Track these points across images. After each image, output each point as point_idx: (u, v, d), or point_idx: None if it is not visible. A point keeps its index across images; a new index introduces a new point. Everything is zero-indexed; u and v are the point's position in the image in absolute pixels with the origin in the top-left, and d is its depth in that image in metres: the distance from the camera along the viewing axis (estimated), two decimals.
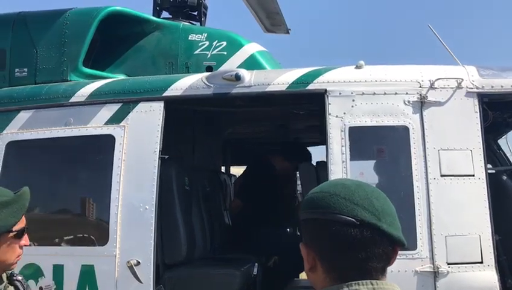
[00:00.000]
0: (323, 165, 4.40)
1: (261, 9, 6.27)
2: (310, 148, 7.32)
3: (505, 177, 4.10)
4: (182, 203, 4.27)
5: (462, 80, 3.83)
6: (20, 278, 2.47)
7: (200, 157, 5.30)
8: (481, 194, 3.62)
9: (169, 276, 4.04)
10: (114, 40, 5.03)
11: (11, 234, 2.28)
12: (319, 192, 1.33)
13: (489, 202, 3.60)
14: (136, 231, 3.75)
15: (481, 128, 3.76)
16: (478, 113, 3.78)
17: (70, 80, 4.48)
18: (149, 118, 3.99)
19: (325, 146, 3.84)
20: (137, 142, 3.93)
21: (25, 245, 2.36)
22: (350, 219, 1.26)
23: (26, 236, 2.37)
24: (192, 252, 4.34)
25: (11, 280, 2.44)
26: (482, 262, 3.51)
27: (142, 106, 4.04)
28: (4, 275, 2.42)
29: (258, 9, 6.28)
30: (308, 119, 5.63)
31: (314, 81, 3.90)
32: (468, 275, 3.49)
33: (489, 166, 4.83)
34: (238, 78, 3.96)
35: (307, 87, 3.90)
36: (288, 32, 6.57)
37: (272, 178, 5.30)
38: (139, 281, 3.67)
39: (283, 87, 3.92)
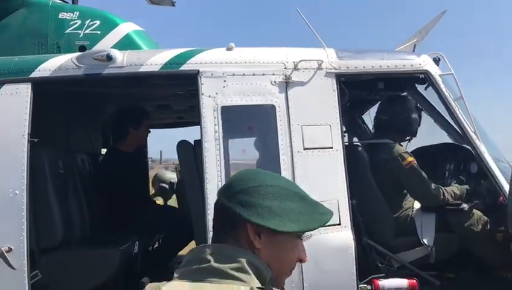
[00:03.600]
0: (200, 143, 4.59)
1: None
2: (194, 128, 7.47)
3: (360, 149, 4.59)
4: (56, 187, 4.18)
5: (322, 61, 4.20)
6: None
7: (76, 140, 5.18)
8: (339, 164, 4.03)
9: (45, 261, 3.97)
10: None
11: None
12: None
13: (345, 171, 4.03)
14: (6, 217, 3.63)
15: (338, 105, 4.16)
16: (336, 92, 4.17)
17: None
18: (15, 100, 3.84)
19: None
20: (3, 126, 3.79)
21: None
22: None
23: None
24: (69, 235, 4.29)
25: None
26: (340, 224, 3.93)
27: (7, 88, 3.87)
28: None
29: None
30: (189, 99, 5.75)
31: (187, 62, 4.02)
32: (329, 236, 3.89)
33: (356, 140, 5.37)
34: (109, 58, 3.95)
35: (180, 68, 4.01)
36: (173, 5, 6.52)
37: (125, 164, 5.14)
38: (12, 268, 3.58)
39: (156, 68, 3.99)
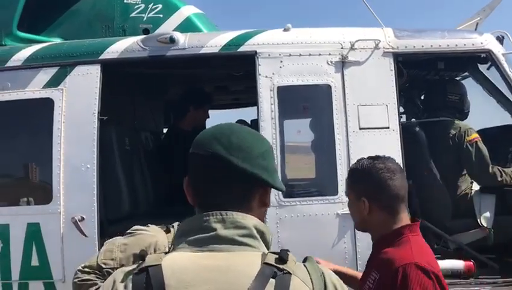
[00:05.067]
0: (256, 123, 4.72)
1: None
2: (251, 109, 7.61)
3: (417, 129, 4.55)
4: (123, 162, 4.47)
5: (380, 41, 4.18)
6: None
7: (141, 119, 5.47)
8: (395, 144, 4.03)
9: (113, 230, 4.27)
10: (49, 3, 5.03)
11: None
12: (201, 132, 1.44)
13: (402, 151, 4.03)
14: (79, 189, 3.95)
15: (396, 85, 4.14)
16: (393, 72, 4.15)
17: (4, 45, 4.51)
18: (86, 81, 4.13)
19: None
20: (76, 105, 4.08)
21: None
22: (206, 150, 1.33)
23: None
24: (135, 207, 4.58)
25: None
26: None
27: (79, 69, 4.16)
28: None
29: None
30: (246, 80, 5.89)
31: (245, 44, 4.15)
32: None
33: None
34: (172, 40, 4.14)
35: (238, 50, 4.14)
36: None
37: (184, 141, 5.22)
38: (84, 235, 3.90)
39: (216, 50, 4.14)
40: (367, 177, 2.22)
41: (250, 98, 7.36)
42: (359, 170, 2.27)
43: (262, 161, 1.35)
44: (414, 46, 4.24)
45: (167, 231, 2.73)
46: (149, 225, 2.90)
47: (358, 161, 2.33)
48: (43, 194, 4.05)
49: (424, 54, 4.30)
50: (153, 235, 2.75)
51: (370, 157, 2.29)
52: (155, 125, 5.89)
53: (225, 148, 1.32)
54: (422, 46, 4.24)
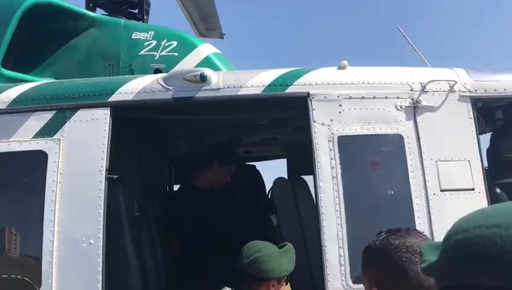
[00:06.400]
0: (299, 181, 3.84)
1: (196, 11, 5.78)
2: (264, 163, 6.76)
3: (498, 191, 3.74)
4: (132, 233, 3.48)
5: (455, 82, 3.45)
6: None
7: (148, 177, 4.51)
8: None
9: None
10: (40, 37, 4.21)
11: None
12: (478, 227, 0.68)
13: None
14: (78, 272, 2.94)
15: (477, 135, 3.39)
16: (473, 120, 3.40)
17: None
18: (91, 128, 3.21)
19: (285, 159, 3.28)
20: (77, 160, 3.14)
21: None
22: None
23: None
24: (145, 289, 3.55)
25: None
26: None
27: (81, 114, 3.25)
28: None
29: (193, 12, 5.78)
30: (266, 130, 5.06)
31: (294, 83, 3.33)
32: None
33: None
34: (203, 79, 3.30)
35: (286, 90, 3.32)
36: (222, 37, 6.16)
37: (204, 203, 4.35)
38: None
39: (258, 90, 3.31)
40: (379, 259, 1.58)
41: (264, 151, 6.57)
42: (371, 248, 1.62)
43: None
44: (495, 90, 3.51)
45: None
46: None
47: (377, 234, 1.67)
48: (29, 278, 3.01)
49: (508, 99, 3.56)
50: None
51: (388, 231, 1.63)
52: (162, 184, 4.92)
53: None
54: (505, 90, 3.51)
